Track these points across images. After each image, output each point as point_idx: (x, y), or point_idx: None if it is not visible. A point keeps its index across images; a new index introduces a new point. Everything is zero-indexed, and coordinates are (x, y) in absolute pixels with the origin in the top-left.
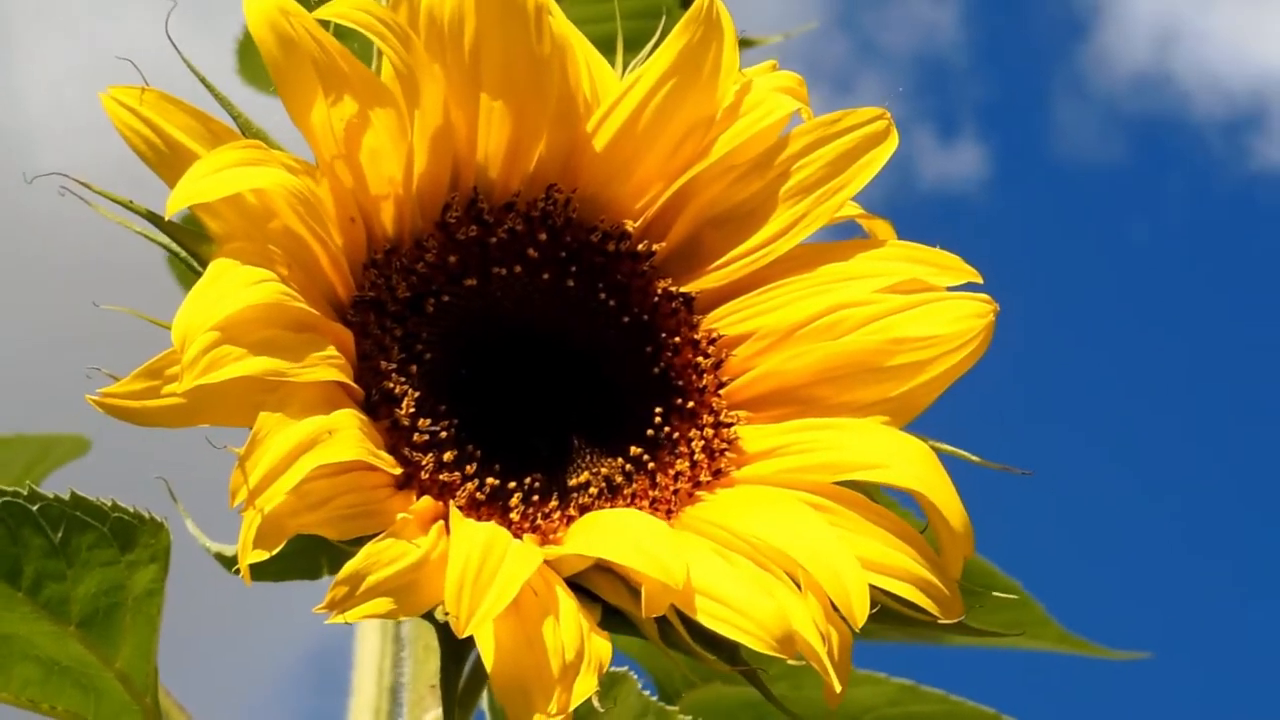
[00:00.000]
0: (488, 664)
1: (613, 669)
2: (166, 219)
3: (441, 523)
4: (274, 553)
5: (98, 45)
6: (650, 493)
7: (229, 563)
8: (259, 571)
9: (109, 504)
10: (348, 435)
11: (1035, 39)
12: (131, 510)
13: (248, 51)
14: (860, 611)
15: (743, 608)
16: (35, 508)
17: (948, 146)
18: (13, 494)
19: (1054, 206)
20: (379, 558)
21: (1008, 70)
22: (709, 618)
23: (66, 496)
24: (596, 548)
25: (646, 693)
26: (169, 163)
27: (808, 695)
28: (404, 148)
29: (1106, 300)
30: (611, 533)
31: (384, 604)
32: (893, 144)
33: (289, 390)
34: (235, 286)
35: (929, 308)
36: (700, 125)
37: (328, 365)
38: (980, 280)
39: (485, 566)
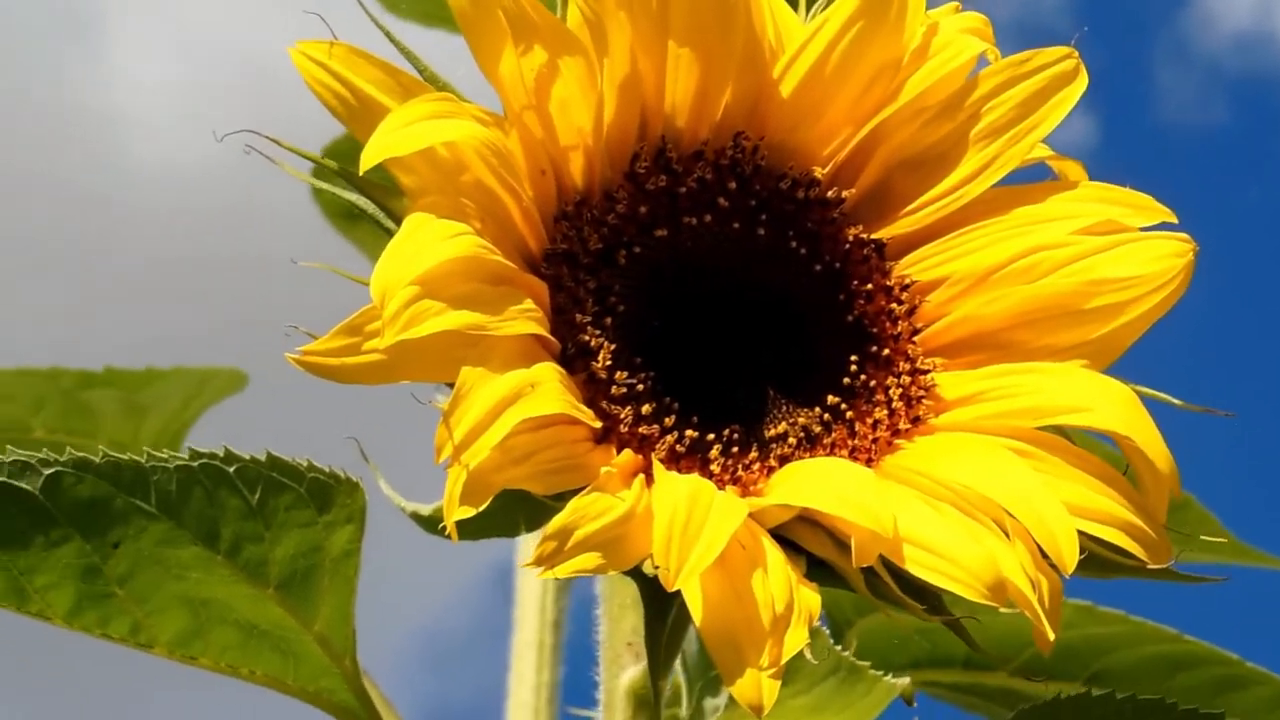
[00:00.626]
0: (696, 618)
1: None
2: (361, 174)
3: (643, 476)
4: (480, 509)
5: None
6: (849, 442)
7: (426, 522)
8: (459, 530)
9: (305, 464)
10: (550, 389)
11: (1136, 3)
12: (327, 470)
13: None
14: (1070, 557)
15: (953, 555)
16: (232, 469)
17: None
18: (209, 455)
19: (1162, 172)
20: (586, 511)
21: (1110, 36)
22: (918, 566)
23: (263, 457)
24: (802, 497)
25: (838, 648)
26: (360, 117)
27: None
28: (593, 97)
29: (1220, 264)
30: (816, 482)
31: (592, 559)
32: (1082, 83)
33: (489, 344)
34: (433, 240)
35: (1127, 248)
36: (888, 68)
37: (526, 319)
38: (1175, 220)
39: (692, 518)
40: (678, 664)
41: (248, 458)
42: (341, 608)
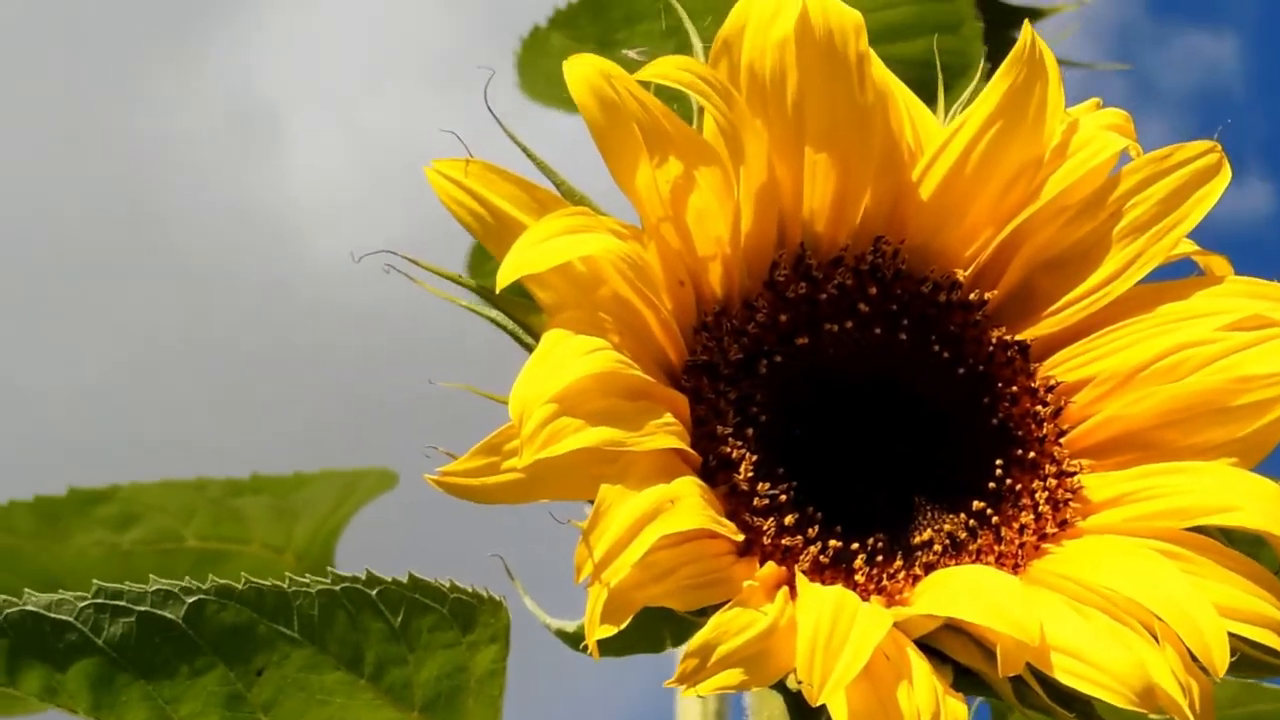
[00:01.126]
0: None
1: None
2: (498, 291)
3: (786, 589)
4: (621, 627)
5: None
6: (996, 547)
7: (571, 639)
8: (603, 647)
9: (448, 585)
10: (690, 503)
11: None
12: (470, 590)
13: (528, 66)
14: (1220, 660)
15: (1100, 662)
16: (374, 591)
17: (1233, 183)
18: (351, 579)
19: None
20: (728, 627)
21: None
22: (1066, 674)
23: (405, 579)
24: (947, 607)
25: None
26: (496, 234)
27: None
28: (730, 206)
29: None
30: (961, 591)
31: (735, 675)
32: (1225, 177)
33: (628, 460)
34: (570, 356)
35: (1274, 344)
36: (1028, 167)
37: (665, 433)
38: None
39: (836, 631)
40: None
41: (390, 580)
42: None
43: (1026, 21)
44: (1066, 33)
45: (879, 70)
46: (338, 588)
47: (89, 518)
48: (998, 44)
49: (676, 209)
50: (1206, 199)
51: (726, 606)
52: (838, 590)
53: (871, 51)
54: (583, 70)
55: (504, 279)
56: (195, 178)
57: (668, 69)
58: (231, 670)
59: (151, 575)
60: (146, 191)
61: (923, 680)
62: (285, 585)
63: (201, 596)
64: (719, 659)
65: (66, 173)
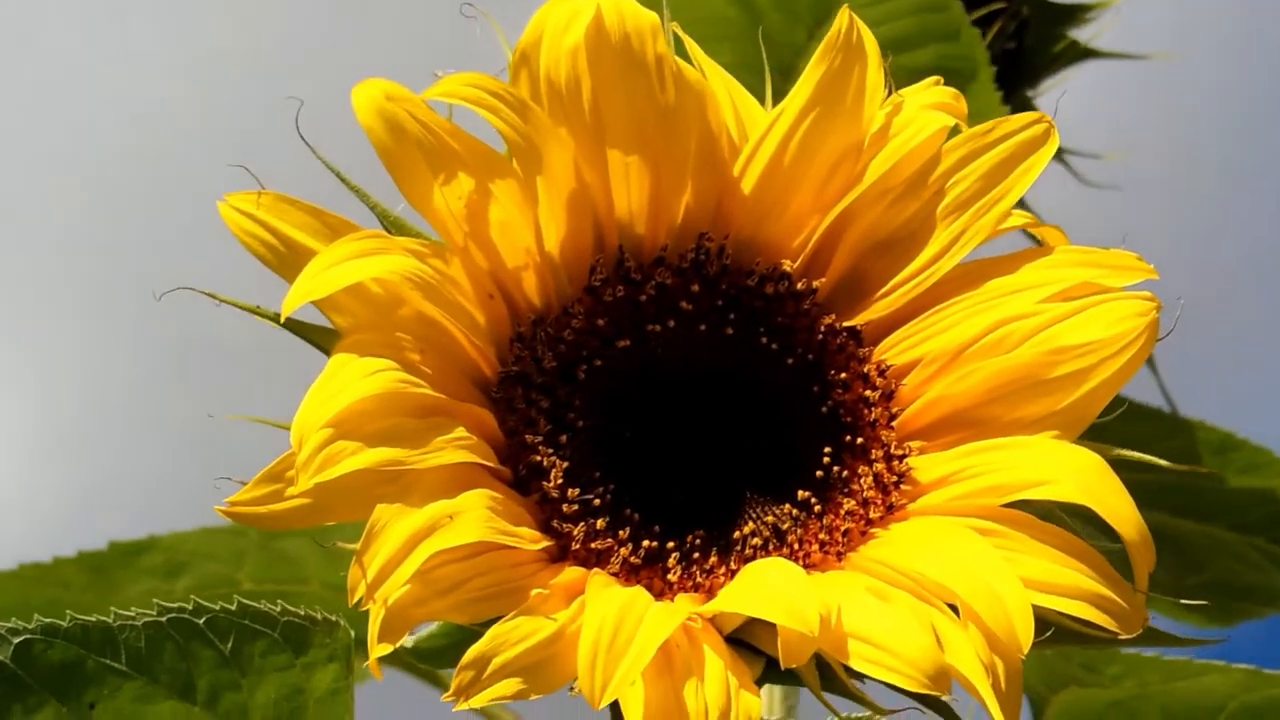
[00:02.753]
0: None
1: (857, 717)
2: (282, 320)
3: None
4: (424, 640)
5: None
6: (819, 536)
7: (415, 655)
8: (443, 659)
9: (278, 609)
10: (472, 517)
11: None
12: (302, 613)
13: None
14: (1024, 635)
15: (893, 647)
16: (202, 620)
17: None
18: (178, 609)
19: None
20: (507, 637)
21: None
22: (860, 660)
23: (233, 606)
24: (734, 602)
25: None
26: (289, 263)
27: (1181, 693)
28: (532, 217)
29: None
30: (750, 585)
31: (512, 685)
32: (1052, 147)
33: (411, 478)
34: (350, 380)
35: (1090, 312)
36: (850, 153)
37: (454, 448)
38: (1156, 276)
39: (620, 633)
40: None
41: (218, 608)
42: None
43: (844, 8)
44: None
45: (698, 66)
46: (164, 619)
47: (135, 569)
48: (1046, 40)
49: (475, 225)
50: (1031, 171)
51: (508, 617)
52: (630, 592)
53: (695, 46)
54: (369, 93)
55: (289, 306)
56: None
57: (453, 86)
58: (64, 706)
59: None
60: None
61: (715, 675)
62: (111, 620)
63: (28, 636)
64: (495, 670)
65: None
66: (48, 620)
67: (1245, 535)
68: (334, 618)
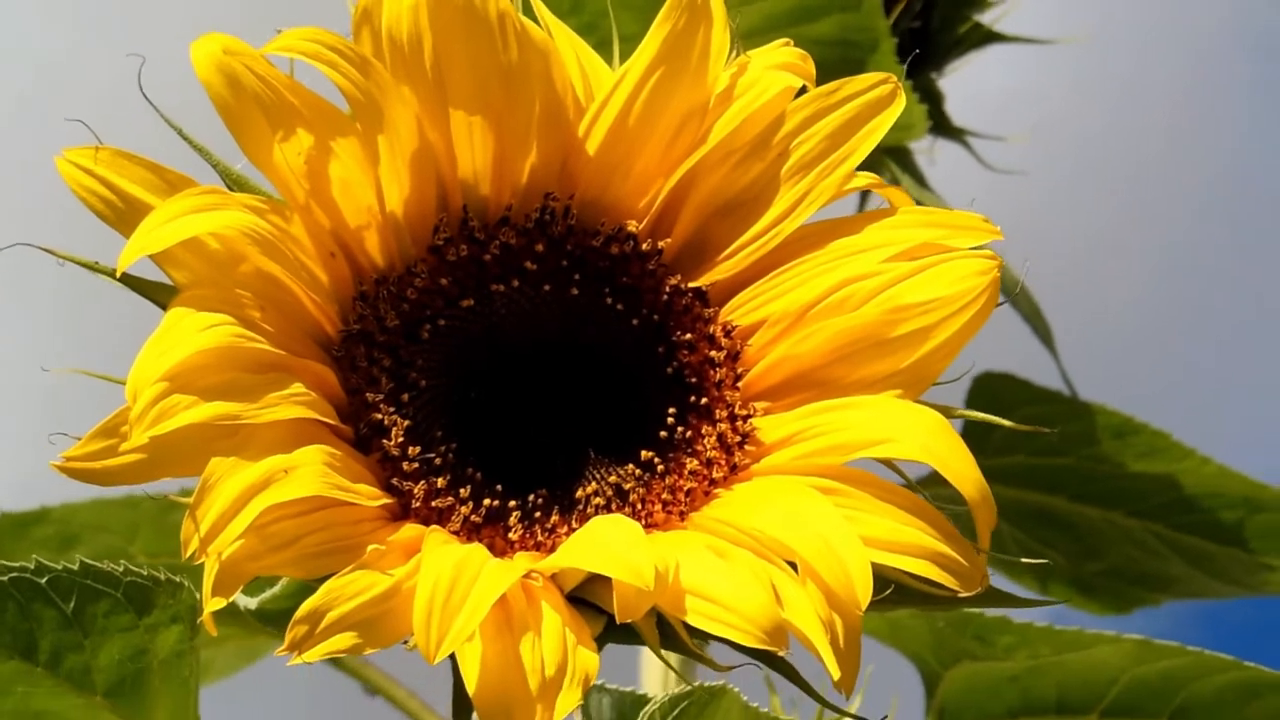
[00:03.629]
0: (470, 687)
1: (710, 683)
2: (118, 274)
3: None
4: (269, 600)
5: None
6: (661, 495)
7: (258, 616)
8: (277, 621)
9: (121, 569)
10: (307, 472)
11: None
12: (145, 573)
13: None
14: (862, 592)
15: (729, 603)
16: (44, 580)
17: None
18: (20, 568)
19: None
20: (342, 592)
21: None
22: (697, 616)
23: (76, 566)
24: (571, 558)
25: (755, 705)
26: (126, 218)
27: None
28: (373, 175)
29: None
30: (587, 541)
31: (347, 639)
32: (898, 108)
33: (247, 433)
34: (185, 334)
35: (931, 271)
36: (695, 114)
37: (291, 403)
38: (1001, 237)
39: (455, 589)
40: None
41: (60, 567)
42: (179, 709)
43: None
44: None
45: (544, 24)
46: (5, 578)
47: (26, 540)
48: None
49: (316, 182)
50: (875, 131)
51: (343, 571)
52: (466, 548)
53: (540, 4)
54: (208, 48)
55: (125, 261)
56: None
57: (292, 40)
58: None
59: None
60: None
61: (552, 631)
62: None
63: None
64: (329, 624)
65: None
66: None
67: (1144, 521)
68: (178, 578)
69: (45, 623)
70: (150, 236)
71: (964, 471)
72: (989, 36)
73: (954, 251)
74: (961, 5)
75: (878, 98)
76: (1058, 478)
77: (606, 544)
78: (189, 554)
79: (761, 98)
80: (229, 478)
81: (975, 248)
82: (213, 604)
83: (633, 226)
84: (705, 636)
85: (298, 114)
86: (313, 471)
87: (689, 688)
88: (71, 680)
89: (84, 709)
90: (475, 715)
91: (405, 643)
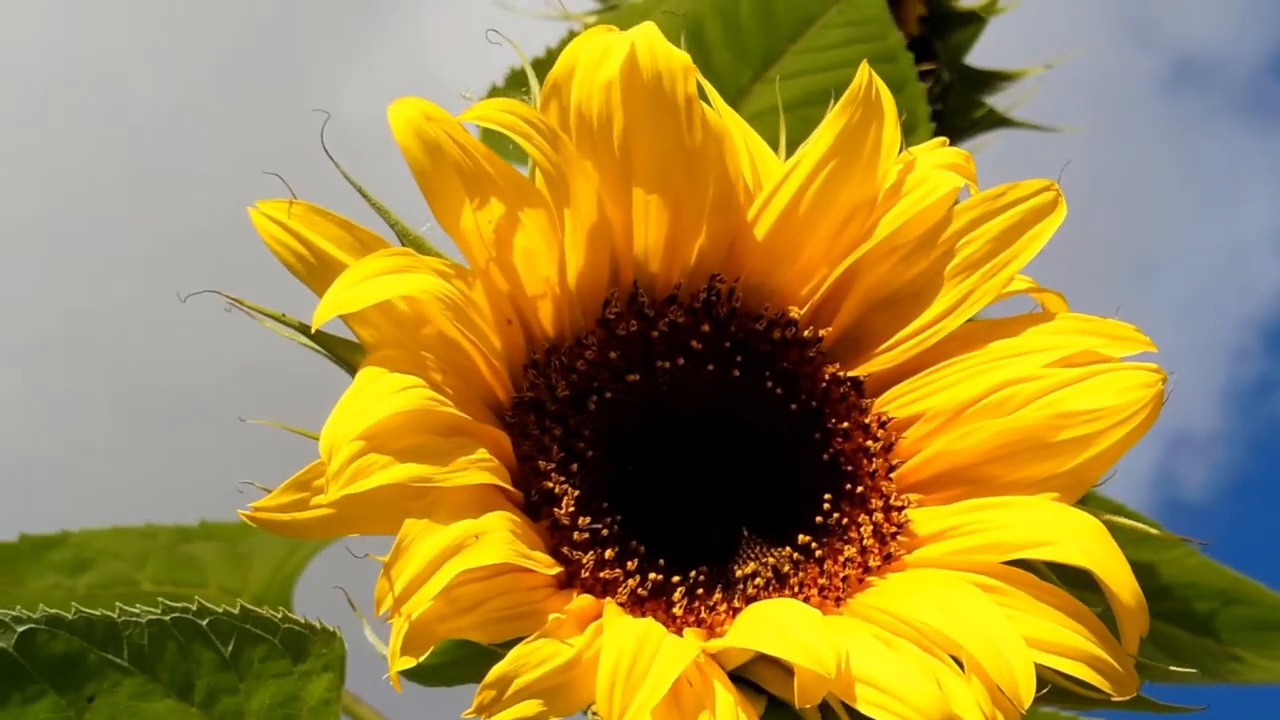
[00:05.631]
0: None
1: None
2: (314, 329)
3: (599, 622)
4: (425, 657)
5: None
6: (819, 580)
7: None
8: (436, 677)
9: (279, 615)
10: (496, 538)
11: None
12: (303, 621)
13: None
14: (1026, 692)
15: (900, 693)
16: (205, 622)
17: None
18: (182, 609)
19: None
20: (529, 659)
21: None
22: (868, 705)
23: (236, 610)
24: (750, 639)
25: None
26: (318, 274)
27: None
28: (557, 247)
29: None
30: (765, 624)
31: (533, 706)
32: (1060, 215)
33: (437, 496)
34: (381, 394)
35: (1096, 380)
36: (863, 207)
37: (477, 469)
38: (1154, 349)
39: (638, 662)
40: None
41: (221, 610)
42: None
43: (864, 63)
44: (1028, 95)
45: (717, 111)
46: (168, 618)
47: (42, 563)
48: (967, 107)
49: (501, 250)
50: (1039, 237)
51: (530, 638)
52: (645, 623)
53: (712, 90)
54: (406, 112)
55: (320, 318)
56: None
57: (490, 111)
58: (63, 698)
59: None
60: None
61: (726, 710)
62: (115, 615)
63: (32, 625)
64: (517, 690)
65: None
66: (52, 611)
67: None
68: (331, 628)
69: (204, 664)
70: (346, 295)
71: (1123, 578)
72: (1001, 121)
73: (1114, 361)
74: (977, 89)
75: (1041, 204)
76: None
77: (787, 628)
78: (382, 611)
79: (930, 196)
80: (423, 540)
81: (1128, 358)
82: (401, 663)
83: (795, 313)
84: None
85: (493, 183)
86: (501, 538)
87: None
88: None
89: None
90: None
91: (586, 714)
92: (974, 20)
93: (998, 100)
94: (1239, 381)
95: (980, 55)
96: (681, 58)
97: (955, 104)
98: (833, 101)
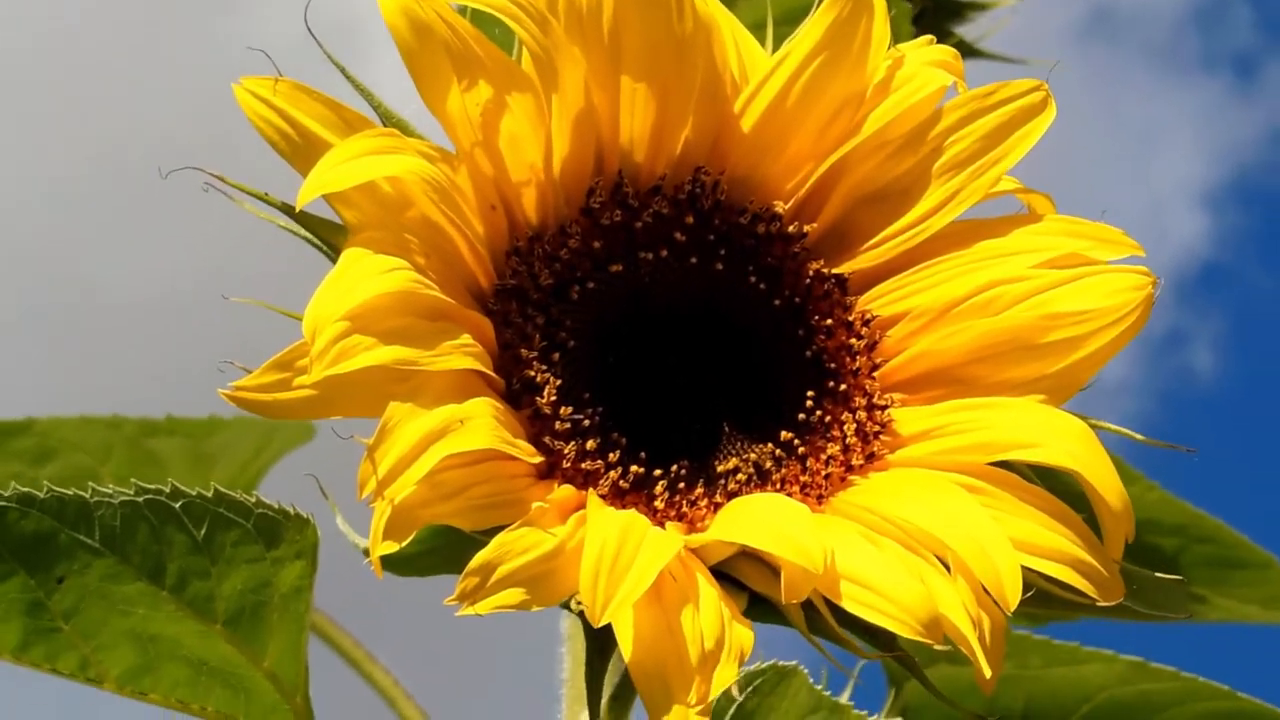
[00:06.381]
0: (625, 652)
1: (782, 663)
2: (298, 209)
3: (581, 512)
4: (403, 545)
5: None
6: (800, 478)
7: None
8: (411, 566)
9: (253, 500)
10: (481, 423)
11: None
12: (276, 506)
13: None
14: (1012, 594)
15: (887, 592)
16: (178, 504)
17: None
18: (155, 491)
19: None
20: (511, 547)
21: None
22: (853, 603)
23: (210, 493)
24: (735, 533)
25: (819, 687)
26: (302, 153)
27: (1045, 679)
28: (543, 133)
29: None
30: (751, 518)
31: (516, 594)
32: (1050, 115)
33: (421, 379)
34: (366, 275)
35: (1085, 282)
36: (851, 101)
37: (462, 354)
38: (1143, 253)
39: (621, 553)
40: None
41: (194, 493)
42: (292, 644)
43: None
44: (998, 26)
45: (705, 1)
46: (140, 499)
47: (5, 450)
48: (938, 36)
49: (487, 134)
50: (1029, 137)
51: (512, 527)
52: (628, 514)
53: None
54: None
55: (305, 197)
56: None
57: None
58: (32, 578)
59: None
60: None
61: (710, 604)
62: (88, 495)
63: (3, 504)
64: (500, 578)
65: None
66: (24, 489)
67: None
68: (305, 514)
69: (175, 547)
70: (331, 175)
71: (1109, 482)
72: (971, 52)
73: (1102, 264)
74: (949, 19)
75: (1031, 104)
76: None
77: (773, 523)
78: (365, 494)
79: (919, 92)
80: (408, 423)
81: (1115, 261)
82: (384, 547)
83: (780, 207)
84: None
85: (481, 65)
86: (486, 424)
87: (762, 665)
88: (194, 606)
89: (201, 636)
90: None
91: (568, 603)
92: None
93: (967, 30)
94: (1149, 332)
95: None
96: None
97: (928, 30)
98: (893, 8)
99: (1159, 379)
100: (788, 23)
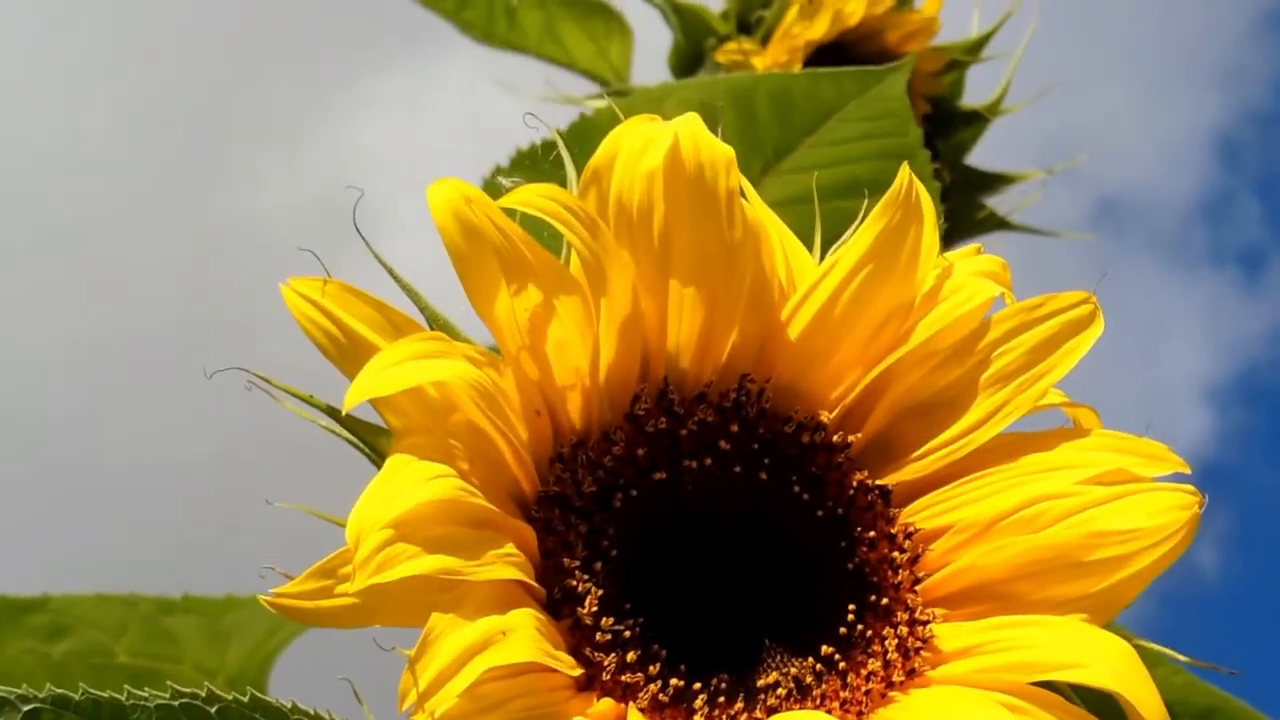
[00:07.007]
0: None
1: None
2: (344, 413)
3: None
4: None
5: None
6: (841, 693)
7: None
8: None
9: (289, 706)
10: (523, 636)
11: None
12: (311, 712)
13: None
14: None
15: None
16: (213, 709)
17: None
18: (190, 695)
19: None
20: None
21: None
22: None
23: (245, 698)
24: None
25: None
26: (349, 355)
27: None
28: (590, 338)
29: None
30: None
31: None
32: (1098, 329)
33: (465, 589)
34: (411, 482)
35: (1131, 500)
36: (899, 311)
37: (505, 563)
38: (1188, 470)
39: None
40: None
41: (230, 698)
42: None
43: (905, 165)
44: (1030, 199)
45: (753, 207)
46: (176, 703)
47: (20, 627)
48: (968, 208)
49: (535, 338)
50: (1076, 350)
51: None
52: None
53: (749, 187)
54: (445, 194)
55: (351, 401)
56: None
57: (531, 196)
58: None
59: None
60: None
61: None
62: (123, 698)
63: (38, 705)
64: None
65: None
66: (59, 691)
67: None
68: (341, 719)
69: None
70: (378, 379)
71: (1151, 704)
72: (1001, 224)
73: (1147, 481)
74: (978, 191)
75: (1079, 317)
76: None
77: None
78: (405, 706)
79: (968, 303)
80: (449, 635)
81: (1160, 478)
82: None
83: (825, 417)
84: None
85: (531, 270)
86: (528, 636)
87: None
88: None
89: None
90: None
91: None
92: (977, 120)
93: (998, 203)
94: None
95: None
96: (725, 151)
97: (955, 204)
98: (866, 200)
99: (1161, 578)
100: (821, 199)
